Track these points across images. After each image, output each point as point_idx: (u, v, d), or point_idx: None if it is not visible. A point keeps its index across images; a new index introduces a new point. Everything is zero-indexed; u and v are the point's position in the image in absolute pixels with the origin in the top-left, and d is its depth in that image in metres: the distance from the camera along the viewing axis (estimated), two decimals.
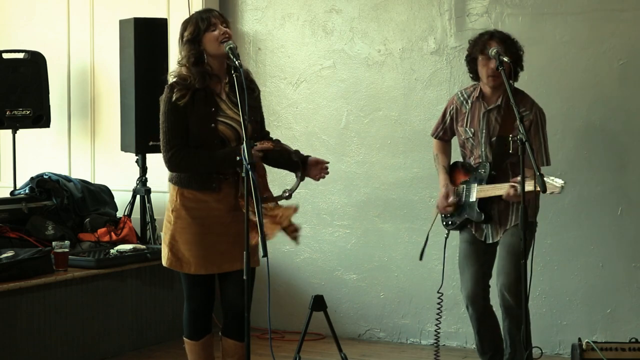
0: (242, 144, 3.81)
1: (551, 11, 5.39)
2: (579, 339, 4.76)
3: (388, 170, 5.89)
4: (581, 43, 5.37)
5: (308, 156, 4.07)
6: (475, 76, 4.61)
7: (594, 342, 4.72)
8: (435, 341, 4.89)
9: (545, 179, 4.16)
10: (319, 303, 4.33)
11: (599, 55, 5.34)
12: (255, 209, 3.59)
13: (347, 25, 5.97)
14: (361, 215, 5.97)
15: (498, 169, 4.52)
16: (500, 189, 4.41)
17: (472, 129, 4.61)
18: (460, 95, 4.71)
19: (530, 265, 4.27)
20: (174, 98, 3.85)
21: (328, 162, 4.07)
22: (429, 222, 5.70)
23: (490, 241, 4.62)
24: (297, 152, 4.02)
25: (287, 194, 3.95)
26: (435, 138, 4.85)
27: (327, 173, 4.07)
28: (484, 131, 4.57)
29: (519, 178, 4.20)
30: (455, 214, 4.68)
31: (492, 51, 4.40)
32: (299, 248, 6.11)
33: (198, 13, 3.96)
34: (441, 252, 5.65)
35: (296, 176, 3.93)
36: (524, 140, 4.11)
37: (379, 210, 5.92)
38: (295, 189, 3.95)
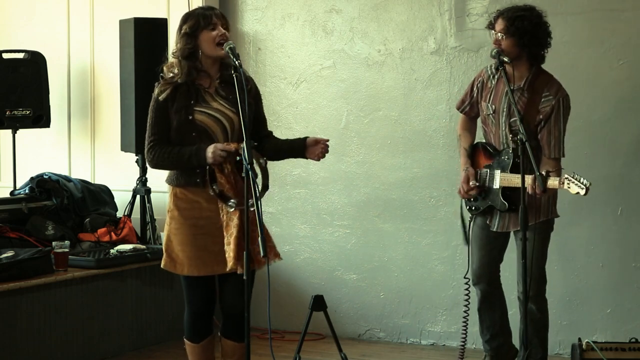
0: (221, 137, 3.84)
1: (551, 11, 5.36)
2: (579, 339, 4.76)
3: (388, 170, 5.89)
4: (581, 43, 5.38)
5: (306, 137, 4.04)
6: None
7: (594, 342, 4.72)
8: (464, 323, 4.85)
9: (571, 178, 4.20)
10: (319, 303, 4.33)
11: (599, 55, 5.34)
12: (255, 208, 3.58)
13: (347, 25, 5.97)
14: (361, 215, 5.97)
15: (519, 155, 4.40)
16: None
17: (493, 106, 4.54)
18: (488, 69, 4.63)
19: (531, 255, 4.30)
20: (156, 94, 3.89)
21: (328, 140, 4.02)
22: (429, 222, 5.74)
23: (495, 229, 4.58)
24: (264, 159, 3.88)
25: (250, 204, 3.73)
26: (461, 112, 4.77)
27: (327, 152, 4.01)
28: (504, 110, 4.50)
29: (542, 172, 4.22)
30: (479, 199, 4.60)
31: (493, 51, 4.42)
32: (298, 248, 6.12)
33: (201, 9, 3.95)
34: (442, 252, 5.68)
35: (261, 185, 3.81)
36: (524, 140, 4.11)
37: (379, 210, 5.92)
38: (259, 198, 3.71)
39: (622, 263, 5.33)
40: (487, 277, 4.65)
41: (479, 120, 4.77)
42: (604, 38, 5.32)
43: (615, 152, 5.32)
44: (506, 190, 4.48)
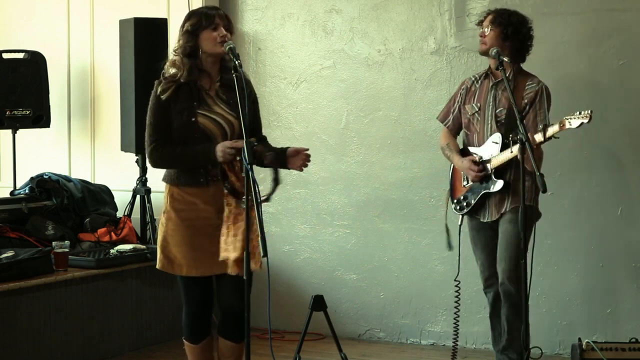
0: (220, 141, 3.82)
1: (551, 11, 5.39)
2: (579, 339, 4.76)
3: (388, 170, 5.89)
4: (581, 43, 5.37)
5: (287, 148, 3.96)
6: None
7: (594, 342, 4.72)
8: (455, 324, 4.87)
9: (571, 115, 4.23)
10: (319, 303, 4.33)
11: (599, 55, 5.34)
12: (255, 209, 3.58)
13: (347, 25, 5.97)
14: (361, 215, 5.97)
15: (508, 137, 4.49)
16: (510, 151, 4.39)
17: (478, 104, 4.64)
18: (472, 77, 4.79)
19: (531, 253, 4.31)
20: (158, 92, 3.87)
21: (307, 149, 3.94)
22: (429, 222, 5.74)
23: (486, 220, 4.61)
24: (271, 153, 3.86)
25: (265, 198, 3.81)
26: (445, 125, 4.83)
27: (309, 161, 3.94)
28: (490, 104, 4.61)
29: (540, 126, 4.30)
30: (470, 194, 4.64)
31: (493, 51, 4.47)
32: (299, 248, 6.12)
33: (206, 8, 3.96)
34: (442, 252, 5.67)
35: (272, 180, 3.82)
36: (524, 140, 4.12)
37: (379, 210, 5.92)
38: (272, 193, 3.83)
39: (622, 263, 5.33)
40: (496, 278, 4.64)
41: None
42: (604, 38, 5.32)
43: (615, 152, 5.32)
44: (497, 172, 4.54)
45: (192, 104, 3.86)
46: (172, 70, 3.90)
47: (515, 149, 4.26)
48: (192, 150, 3.84)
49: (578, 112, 4.23)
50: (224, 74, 3.93)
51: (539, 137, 4.31)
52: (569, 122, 4.24)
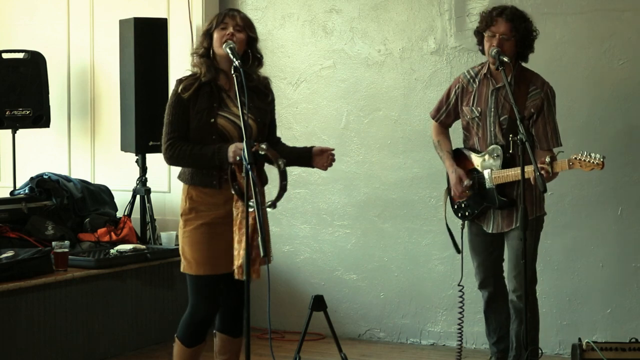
0: (238, 142, 3.81)
1: (551, 11, 5.39)
2: (579, 339, 4.76)
3: (388, 170, 5.89)
4: (581, 43, 5.37)
5: (312, 147, 4.07)
6: (483, 50, 4.52)
7: (594, 342, 4.72)
8: (459, 329, 4.87)
9: (582, 156, 4.19)
10: (319, 303, 4.33)
11: (599, 55, 5.34)
12: (255, 209, 3.58)
13: (347, 25, 5.97)
14: (361, 215, 5.97)
15: (509, 150, 4.42)
16: (518, 174, 4.27)
17: (478, 108, 4.54)
18: (467, 73, 4.63)
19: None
20: (179, 90, 3.88)
21: (333, 149, 4.07)
22: (429, 222, 5.74)
23: (491, 231, 4.56)
24: (283, 160, 3.83)
25: (270, 204, 3.83)
26: (436, 121, 4.78)
27: (334, 160, 4.07)
28: (492, 110, 4.50)
29: (547, 159, 4.24)
30: (472, 203, 4.59)
31: (493, 51, 4.39)
32: (298, 248, 6.12)
33: (225, 9, 4.01)
34: (442, 253, 5.67)
35: (279, 186, 3.81)
36: (524, 140, 4.11)
37: (379, 210, 5.92)
38: (279, 199, 3.82)
39: (622, 263, 5.33)
40: (492, 279, 4.65)
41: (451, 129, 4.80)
42: (604, 38, 5.32)
43: (615, 152, 5.31)
44: (500, 187, 4.48)
45: (212, 104, 3.88)
46: (194, 69, 3.94)
47: (529, 169, 4.16)
48: (207, 149, 3.83)
49: (589, 155, 4.17)
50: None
51: (546, 166, 4.23)
52: (580, 164, 4.19)
